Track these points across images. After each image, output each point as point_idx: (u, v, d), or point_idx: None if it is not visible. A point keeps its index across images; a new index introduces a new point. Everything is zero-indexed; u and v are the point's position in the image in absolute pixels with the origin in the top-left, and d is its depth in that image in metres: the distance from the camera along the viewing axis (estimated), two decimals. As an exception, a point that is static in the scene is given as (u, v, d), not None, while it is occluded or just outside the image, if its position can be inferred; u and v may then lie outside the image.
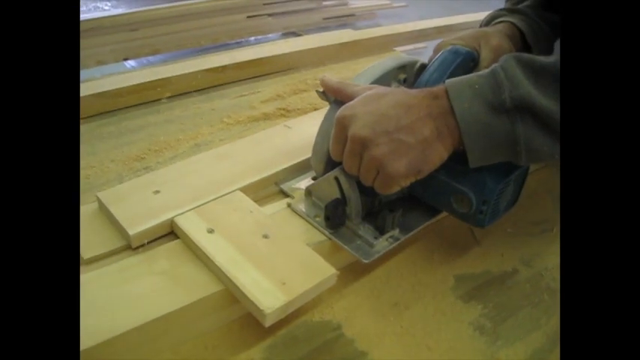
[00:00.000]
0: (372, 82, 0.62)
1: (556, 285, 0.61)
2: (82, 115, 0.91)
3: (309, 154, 0.64)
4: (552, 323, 0.57)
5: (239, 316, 0.54)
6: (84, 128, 0.89)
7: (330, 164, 0.59)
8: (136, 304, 0.50)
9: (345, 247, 0.57)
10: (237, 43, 1.84)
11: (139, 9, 1.76)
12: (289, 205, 0.64)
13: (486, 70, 0.52)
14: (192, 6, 1.80)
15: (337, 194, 0.59)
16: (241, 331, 0.53)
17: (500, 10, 0.80)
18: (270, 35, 1.88)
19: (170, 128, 0.90)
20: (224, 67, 1.07)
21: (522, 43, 0.74)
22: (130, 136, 0.87)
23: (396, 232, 0.60)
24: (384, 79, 0.64)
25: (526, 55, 0.51)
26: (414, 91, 0.54)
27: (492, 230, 0.62)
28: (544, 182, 0.78)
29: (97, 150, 0.83)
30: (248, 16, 1.88)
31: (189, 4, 1.80)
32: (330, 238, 0.59)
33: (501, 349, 0.53)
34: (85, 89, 0.93)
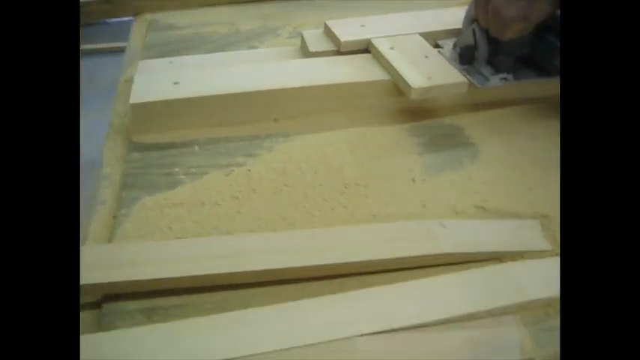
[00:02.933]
0: None
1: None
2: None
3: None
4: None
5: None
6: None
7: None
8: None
9: (468, 76, 0.74)
10: None
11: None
12: (439, 52, 0.82)
13: None
14: None
15: (471, 42, 0.76)
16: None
17: None
18: None
19: None
20: None
21: None
22: None
23: (510, 76, 0.75)
24: None
25: None
26: None
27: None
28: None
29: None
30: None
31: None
32: (460, 72, 0.75)
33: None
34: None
